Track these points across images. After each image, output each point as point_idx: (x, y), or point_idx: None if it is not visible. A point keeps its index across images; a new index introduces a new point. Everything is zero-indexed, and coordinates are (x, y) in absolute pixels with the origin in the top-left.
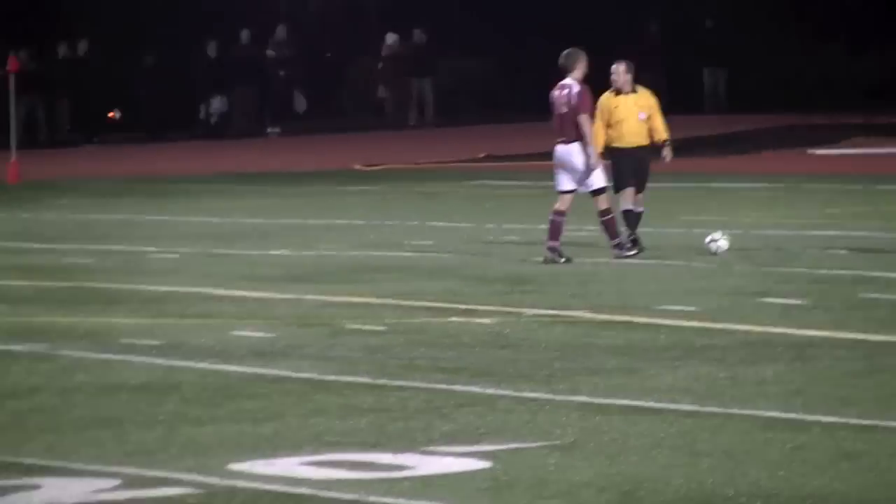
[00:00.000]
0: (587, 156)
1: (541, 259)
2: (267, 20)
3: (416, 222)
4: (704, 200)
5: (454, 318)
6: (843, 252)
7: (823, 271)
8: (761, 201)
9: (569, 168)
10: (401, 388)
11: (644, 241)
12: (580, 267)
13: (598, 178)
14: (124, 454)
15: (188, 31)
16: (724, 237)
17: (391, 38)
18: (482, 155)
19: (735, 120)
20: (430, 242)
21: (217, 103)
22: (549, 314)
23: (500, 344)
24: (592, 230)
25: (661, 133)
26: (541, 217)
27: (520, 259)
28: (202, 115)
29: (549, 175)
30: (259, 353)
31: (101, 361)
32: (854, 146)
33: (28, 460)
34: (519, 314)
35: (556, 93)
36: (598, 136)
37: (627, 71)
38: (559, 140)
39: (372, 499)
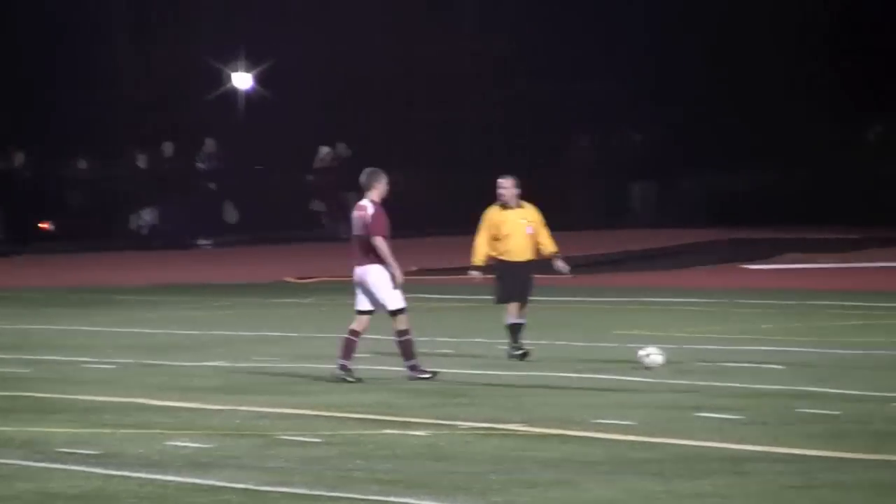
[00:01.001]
0: (390, 276)
1: (476, 372)
2: (196, 132)
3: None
4: (638, 315)
5: (388, 430)
6: (777, 367)
7: (758, 386)
8: (695, 316)
9: (365, 289)
10: (336, 498)
11: (579, 354)
12: (514, 380)
13: (396, 299)
14: None
15: (117, 144)
16: (658, 352)
17: (324, 150)
18: (414, 268)
19: (666, 234)
20: (365, 355)
21: (147, 215)
22: (483, 427)
23: (436, 456)
24: (527, 343)
25: (549, 247)
26: (475, 329)
27: (453, 371)
28: (133, 225)
29: (484, 288)
30: (195, 463)
31: (39, 470)
32: (787, 262)
33: None
34: (453, 426)
35: (354, 213)
36: (479, 248)
37: (515, 185)
38: (357, 261)
39: None
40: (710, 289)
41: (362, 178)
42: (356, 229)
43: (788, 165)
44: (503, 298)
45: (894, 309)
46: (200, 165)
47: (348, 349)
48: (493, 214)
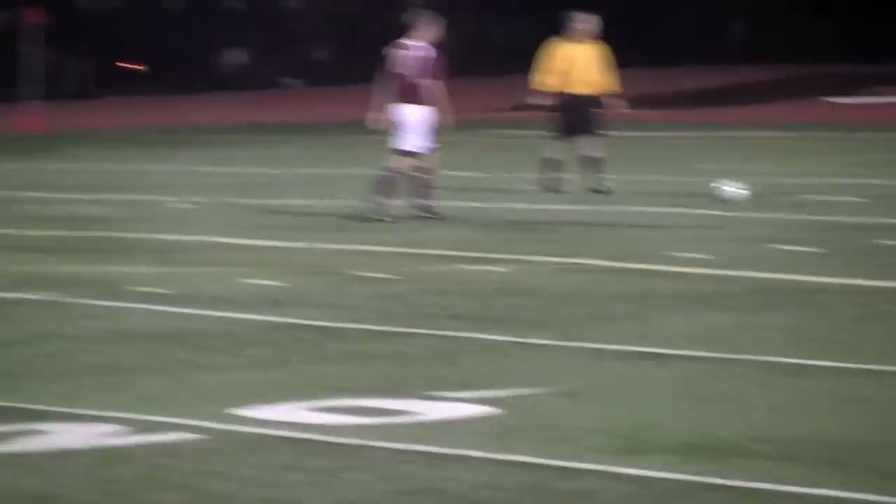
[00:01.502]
0: (436, 120)
1: (556, 207)
2: None
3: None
4: (719, 149)
5: (466, 266)
6: (860, 199)
7: (838, 218)
8: (777, 150)
9: (405, 127)
10: (410, 335)
11: (657, 188)
12: (594, 216)
13: (412, 142)
14: (132, 400)
15: None
16: (737, 185)
17: None
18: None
19: (751, 70)
20: (445, 191)
21: (235, 54)
22: (561, 262)
23: (512, 292)
24: (608, 178)
25: (613, 85)
26: (566, 166)
27: (533, 207)
28: (220, 65)
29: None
30: (269, 301)
31: (112, 309)
32: (873, 95)
33: (35, 406)
34: (532, 262)
35: (403, 52)
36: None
37: (595, 23)
38: (402, 101)
39: (377, 444)
40: (794, 123)
41: (417, 20)
42: (405, 69)
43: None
44: (557, 133)
45: None
46: (291, 5)
47: (388, 187)
48: (561, 48)
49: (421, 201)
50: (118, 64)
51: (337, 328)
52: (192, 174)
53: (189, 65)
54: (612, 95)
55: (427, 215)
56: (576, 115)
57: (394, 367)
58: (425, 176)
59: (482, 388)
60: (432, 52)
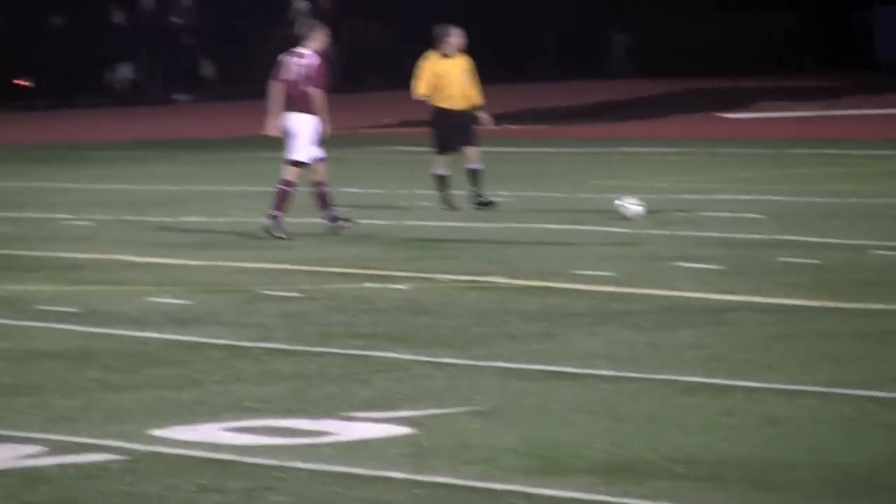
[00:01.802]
0: (319, 128)
1: (456, 224)
2: None
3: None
4: (616, 165)
5: (369, 284)
6: (757, 216)
7: (738, 235)
8: (673, 165)
9: (290, 135)
10: (318, 353)
11: (557, 205)
12: (495, 232)
13: (304, 152)
14: (48, 420)
15: None
16: (636, 202)
17: (301, 3)
18: (388, 121)
19: (642, 85)
20: (343, 208)
21: (124, 70)
22: (464, 280)
23: (416, 310)
24: (506, 195)
25: (477, 98)
26: (462, 182)
27: (432, 224)
28: (109, 81)
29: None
30: (177, 319)
31: (19, 328)
32: (763, 110)
33: None
34: (434, 280)
35: (289, 59)
36: (420, 84)
37: (462, 36)
38: (286, 108)
39: (294, 464)
40: (687, 138)
41: (302, 28)
42: (289, 75)
43: (769, 10)
44: (441, 148)
45: (871, 157)
46: (176, 20)
47: (323, 199)
48: (433, 62)
49: (325, 212)
50: (14, 81)
51: (246, 347)
52: (86, 191)
53: (77, 79)
54: (478, 109)
55: (337, 224)
56: (451, 130)
57: (305, 387)
58: (322, 187)
59: (396, 408)
60: (317, 60)
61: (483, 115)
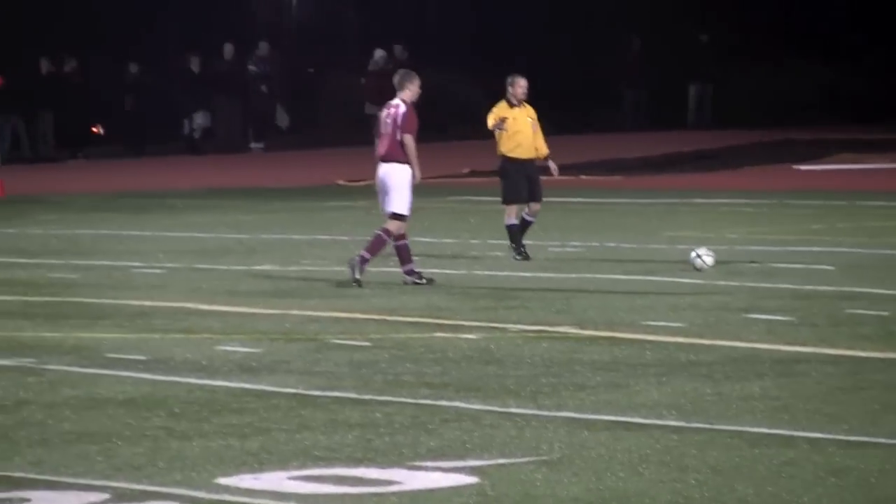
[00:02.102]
0: (412, 176)
1: (526, 274)
2: (249, 35)
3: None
4: (688, 216)
5: (439, 334)
6: (828, 268)
7: (809, 287)
8: (745, 217)
9: (385, 188)
10: (386, 402)
11: (628, 255)
12: (565, 282)
13: (403, 204)
14: (113, 468)
15: (171, 46)
16: (709, 253)
17: (378, 53)
18: (466, 171)
19: (717, 136)
20: (415, 258)
21: (200, 118)
22: (534, 329)
23: (486, 359)
24: (577, 245)
25: (543, 148)
26: (533, 232)
27: (504, 274)
28: (185, 129)
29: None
30: (245, 367)
31: (87, 376)
32: (837, 162)
33: (17, 474)
34: (503, 329)
35: (383, 112)
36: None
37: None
38: (381, 160)
39: None
40: (760, 190)
41: (395, 78)
42: (384, 127)
43: (844, 60)
44: (512, 198)
45: None
46: (253, 68)
47: (403, 253)
48: (503, 111)
49: (408, 266)
50: (91, 128)
51: (313, 396)
52: (157, 238)
53: (152, 127)
54: (545, 159)
55: (417, 280)
56: (520, 179)
57: (373, 436)
58: (403, 240)
59: (461, 458)
60: (407, 109)
61: (551, 165)
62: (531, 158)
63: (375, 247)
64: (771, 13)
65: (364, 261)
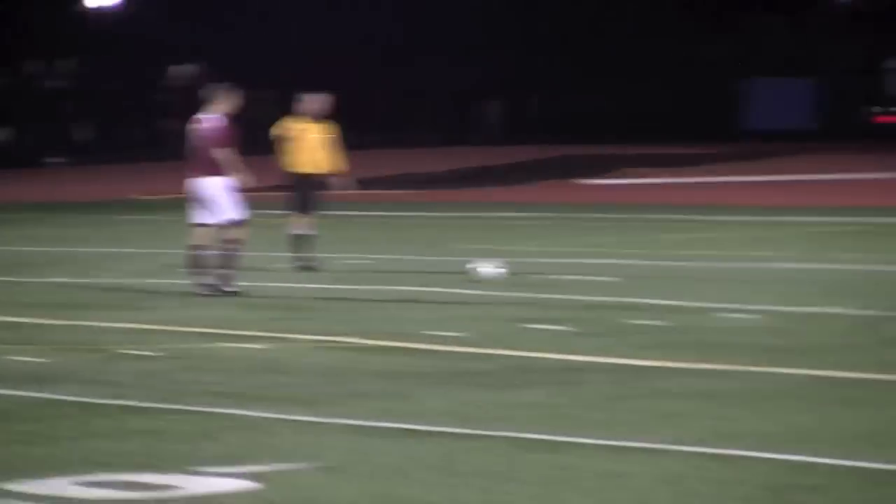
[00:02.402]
0: (234, 183)
1: (316, 286)
2: (51, 51)
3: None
4: (474, 230)
5: (225, 344)
6: (612, 279)
7: (590, 298)
8: (531, 230)
9: (203, 201)
10: (170, 411)
11: (415, 267)
12: (353, 294)
13: (237, 210)
14: None
15: None
16: (490, 264)
17: (180, 69)
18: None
19: (508, 152)
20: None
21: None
22: (319, 339)
23: (271, 368)
24: (365, 257)
25: (340, 164)
26: (325, 245)
27: (296, 286)
28: None
29: (336, 204)
30: (35, 377)
31: None
32: (621, 176)
33: None
34: (290, 340)
35: (191, 127)
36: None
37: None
38: (193, 174)
39: None
40: (546, 204)
41: (204, 93)
42: (194, 142)
43: (632, 82)
44: (293, 209)
45: (717, 222)
46: (54, 84)
47: (198, 264)
48: (287, 125)
49: (216, 275)
50: None
51: (99, 404)
52: None
53: None
54: (340, 175)
55: (222, 291)
56: (304, 193)
57: (156, 442)
58: (231, 248)
59: (243, 464)
60: (220, 122)
61: (338, 181)
62: (316, 172)
63: (229, 260)
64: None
65: (227, 279)
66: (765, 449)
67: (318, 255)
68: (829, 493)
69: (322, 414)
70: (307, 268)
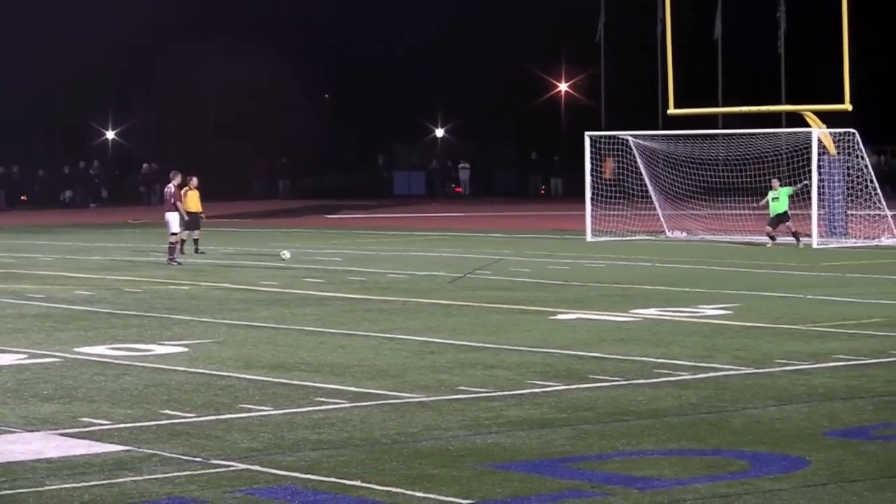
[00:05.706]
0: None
1: None
2: None
3: None
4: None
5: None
6: (339, 259)
7: (333, 267)
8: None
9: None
10: (146, 317)
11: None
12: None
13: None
14: None
15: None
16: (288, 252)
17: (146, 167)
18: None
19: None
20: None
21: None
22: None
23: (189, 297)
24: None
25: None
26: None
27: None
28: None
29: None
30: None
31: None
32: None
33: None
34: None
35: (165, 190)
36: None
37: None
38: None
39: None
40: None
41: (171, 175)
42: (166, 196)
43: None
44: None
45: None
46: None
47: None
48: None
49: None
50: None
51: None
52: None
53: None
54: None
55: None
56: None
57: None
58: (172, 246)
59: (181, 339)
60: (172, 189)
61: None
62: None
63: (172, 251)
64: None
65: (171, 256)
66: None
67: None
68: None
69: (216, 317)
70: None
